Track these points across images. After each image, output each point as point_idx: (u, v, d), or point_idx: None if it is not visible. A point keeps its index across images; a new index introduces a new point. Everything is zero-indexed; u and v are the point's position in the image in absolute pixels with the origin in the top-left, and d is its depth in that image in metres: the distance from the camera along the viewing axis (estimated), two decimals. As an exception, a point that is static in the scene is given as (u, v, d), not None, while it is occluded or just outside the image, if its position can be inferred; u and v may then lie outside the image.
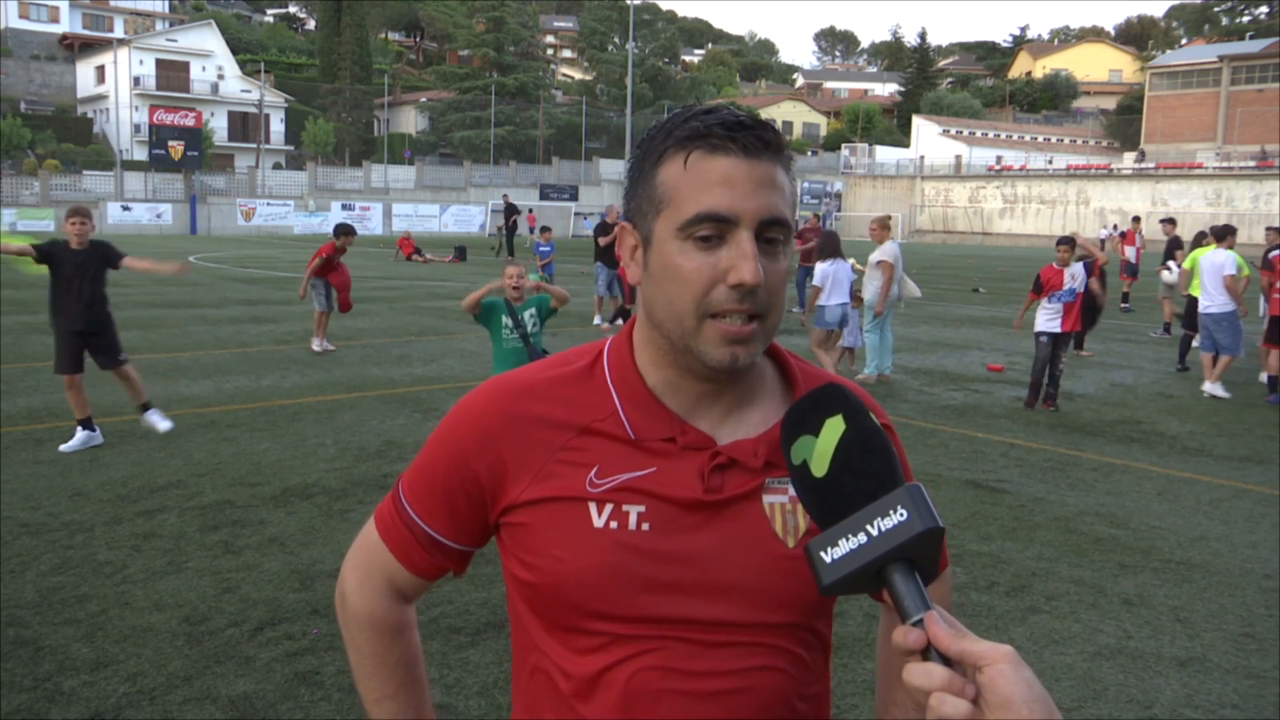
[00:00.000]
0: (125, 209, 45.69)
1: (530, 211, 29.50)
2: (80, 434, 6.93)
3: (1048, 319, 9.14)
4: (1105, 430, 8.41)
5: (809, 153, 77.03)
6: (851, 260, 10.34)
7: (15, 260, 6.98)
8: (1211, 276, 10.27)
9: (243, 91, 62.81)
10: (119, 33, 66.93)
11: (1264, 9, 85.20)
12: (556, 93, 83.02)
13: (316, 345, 11.30)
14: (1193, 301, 11.90)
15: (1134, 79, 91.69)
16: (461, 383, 9.73)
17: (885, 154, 72.41)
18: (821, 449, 0.90)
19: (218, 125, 60.85)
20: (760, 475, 1.08)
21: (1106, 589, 4.75)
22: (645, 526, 1.06)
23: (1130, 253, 19.28)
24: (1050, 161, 65.64)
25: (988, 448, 7.63)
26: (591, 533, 1.06)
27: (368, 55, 70.95)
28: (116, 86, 58.91)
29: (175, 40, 62.73)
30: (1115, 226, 38.12)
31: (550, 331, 6.91)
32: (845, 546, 0.83)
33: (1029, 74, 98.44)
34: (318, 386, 9.47)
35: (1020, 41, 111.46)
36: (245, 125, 62.70)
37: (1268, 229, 12.16)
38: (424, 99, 73.23)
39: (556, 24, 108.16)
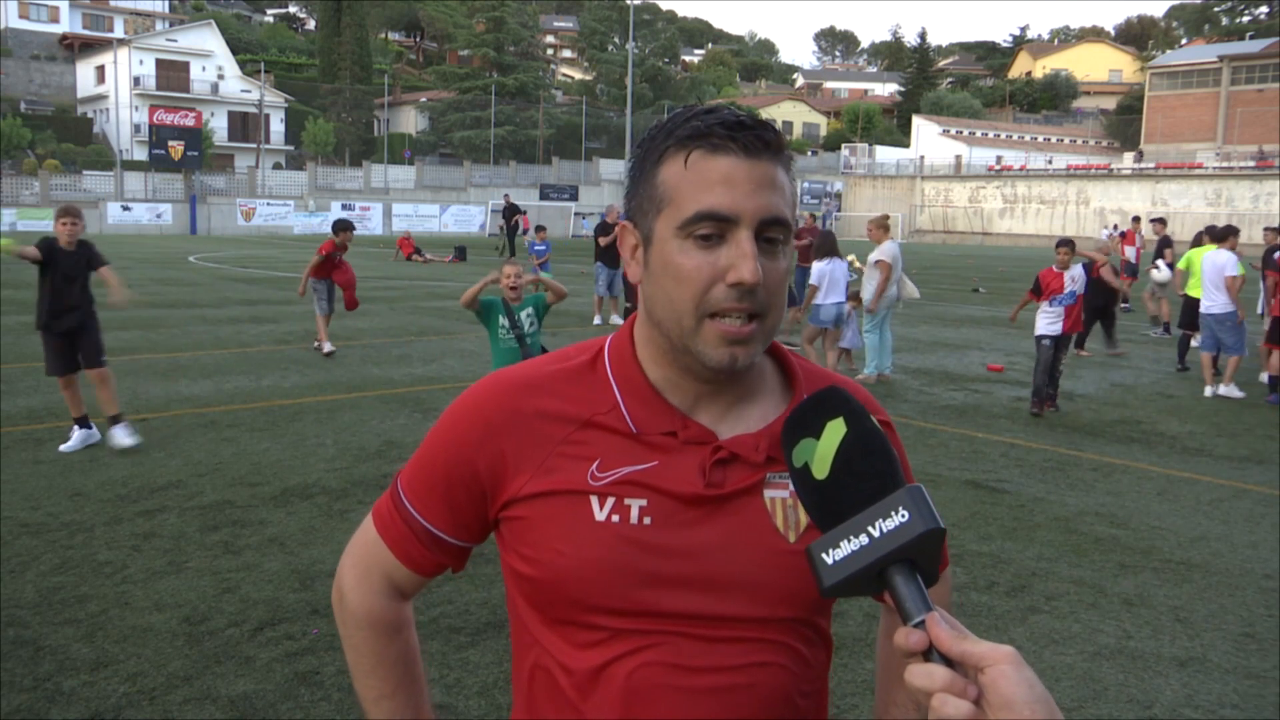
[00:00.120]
0: (125, 209, 45.69)
1: (523, 214, 29.49)
2: (78, 433, 6.93)
3: (1048, 322, 9.01)
4: (1105, 430, 8.41)
5: (809, 153, 77.02)
6: (851, 257, 10.36)
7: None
8: (1214, 277, 10.26)
9: (243, 91, 62.82)
10: (119, 33, 66.94)
11: (1264, 9, 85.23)
12: (556, 93, 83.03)
13: (327, 347, 11.24)
14: (1190, 301, 11.93)
15: (1134, 79, 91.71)
16: (461, 382, 9.73)
17: (885, 154, 72.42)
18: (823, 452, 0.90)
19: (218, 125, 60.86)
20: (761, 470, 1.08)
21: (1106, 589, 4.74)
22: (647, 520, 1.06)
23: (1130, 253, 19.27)
24: (1050, 161, 65.65)
25: (988, 448, 7.62)
26: (593, 526, 1.06)
27: (368, 55, 70.95)
28: (116, 86, 58.92)
29: (175, 40, 62.73)
30: (1115, 226, 38.13)
31: (550, 331, 6.92)
32: (847, 548, 0.83)
33: (1029, 74, 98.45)
34: (318, 386, 9.47)
35: (1020, 41, 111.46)
36: (245, 125, 62.71)
37: (1266, 229, 12.17)
38: (424, 99, 73.24)
39: (556, 24, 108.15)
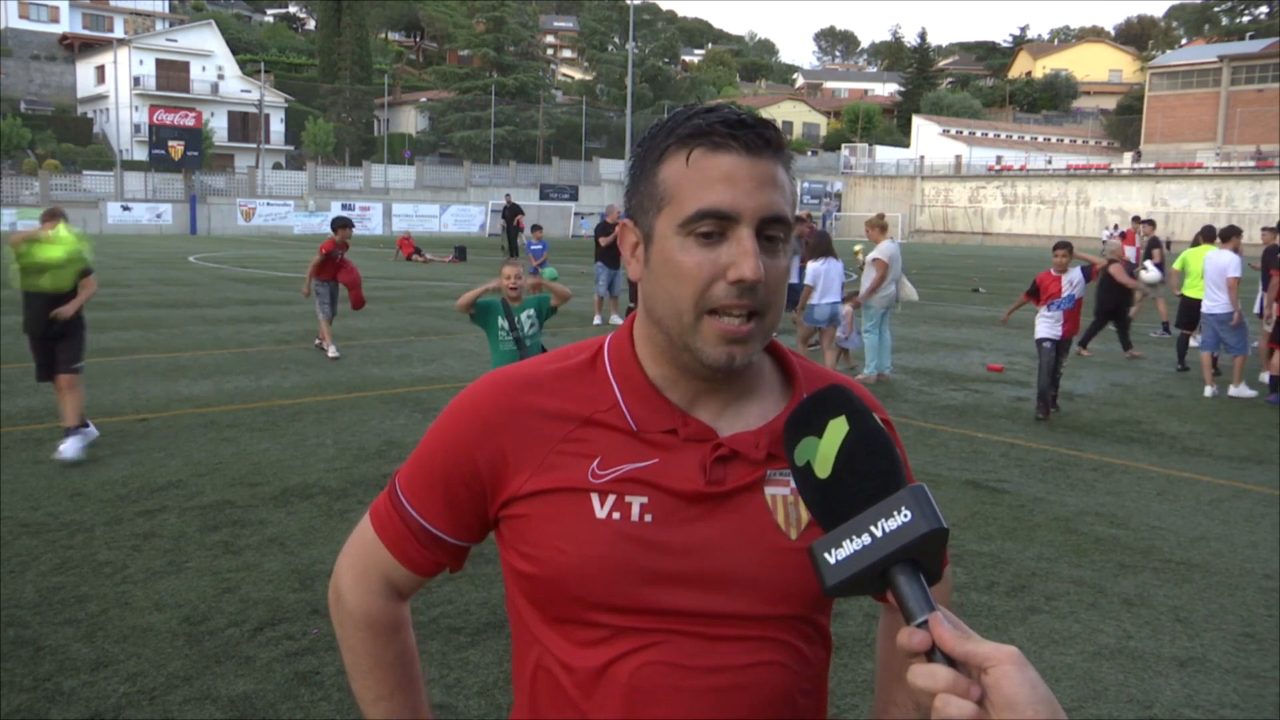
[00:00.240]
0: (125, 209, 45.68)
1: (523, 214, 29.52)
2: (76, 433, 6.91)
3: (1048, 326, 8.87)
4: (1105, 430, 8.41)
5: (809, 153, 77.05)
6: (858, 248, 10.39)
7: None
8: (1216, 277, 10.25)
9: (243, 91, 62.82)
10: (119, 33, 66.95)
11: (1264, 9, 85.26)
12: (556, 93, 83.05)
13: (332, 351, 11.22)
14: (1187, 301, 11.93)
15: (1134, 79, 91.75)
16: (461, 382, 9.72)
17: (885, 154, 72.44)
18: (825, 450, 0.90)
19: (218, 125, 60.86)
20: (762, 467, 1.08)
21: (1106, 589, 4.74)
22: (648, 518, 1.05)
23: (1130, 253, 19.29)
24: (1050, 161, 65.67)
25: (988, 448, 7.62)
26: (594, 524, 1.06)
27: (368, 55, 70.96)
28: (116, 86, 58.92)
29: (175, 40, 62.74)
30: (1115, 226, 38.14)
31: (550, 331, 6.91)
32: (849, 548, 0.83)
33: (1029, 74, 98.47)
34: (318, 386, 9.47)
35: (1020, 41, 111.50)
36: (245, 125, 62.71)
37: (1264, 229, 12.17)
38: (424, 99, 73.25)
39: (556, 24, 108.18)
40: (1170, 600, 4.62)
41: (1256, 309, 11.19)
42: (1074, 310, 8.95)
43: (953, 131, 74.37)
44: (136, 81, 59.27)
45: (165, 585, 4.50)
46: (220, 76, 63.18)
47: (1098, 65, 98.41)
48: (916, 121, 77.53)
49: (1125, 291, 12.26)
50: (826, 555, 0.84)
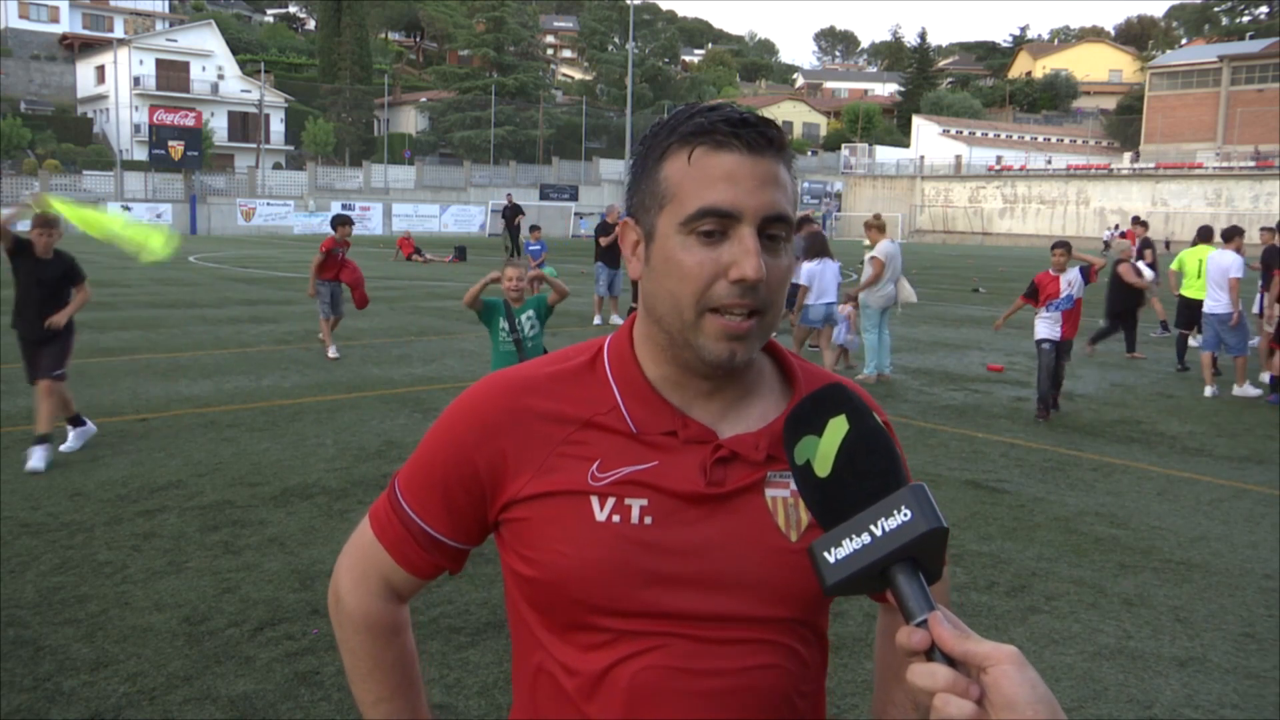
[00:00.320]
0: (125, 209, 45.60)
1: (522, 214, 29.56)
2: (74, 432, 6.92)
3: (1047, 327, 8.80)
4: (1105, 430, 8.41)
5: (809, 153, 77.05)
6: (868, 243, 10.40)
7: None
8: (1218, 277, 10.23)
9: (243, 91, 62.80)
10: (119, 33, 66.94)
11: (1264, 9, 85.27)
12: (556, 93, 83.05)
13: (333, 352, 11.20)
14: (1185, 301, 11.92)
15: (1134, 79, 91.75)
16: (461, 383, 9.73)
17: (885, 154, 72.44)
18: (825, 449, 0.90)
19: (218, 125, 60.85)
20: (762, 469, 1.08)
21: (1106, 589, 4.74)
22: (648, 520, 1.05)
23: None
24: (1050, 161, 65.68)
25: (988, 448, 7.62)
26: (594, 527, 1.05)
27: (368, 55, 70.96)
28: (116, 86, 58.91)
29: (175, 40, 62.73)
30: (1116, 226, 38.15)
31: (550, 331, 6.91)
32: (849, 547, 0.83)
33: (1029, 74, 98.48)
34: (318, 386, 9.47)
35: (1020, 41, 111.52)
36: (245, 125, 62.70)
37: (1263, 229, 12.16)
38: (424, 99, 73.25)
39: (556, 24, 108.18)
40: (1170, 600, 4.62)
41: (1256, 309, 11.19)
42: (1073, 311, 8.86)
43: (953, 131, 74.37)
44: (136, 81, 59.27)
45: (165, 585, 4.50)
46: (220, 76, 63.17)
47: (1098, 65, 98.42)
48: (916, 121, 77.53)
49: (1135, 291, 12.23)
50: (826, 554, 0.84)
